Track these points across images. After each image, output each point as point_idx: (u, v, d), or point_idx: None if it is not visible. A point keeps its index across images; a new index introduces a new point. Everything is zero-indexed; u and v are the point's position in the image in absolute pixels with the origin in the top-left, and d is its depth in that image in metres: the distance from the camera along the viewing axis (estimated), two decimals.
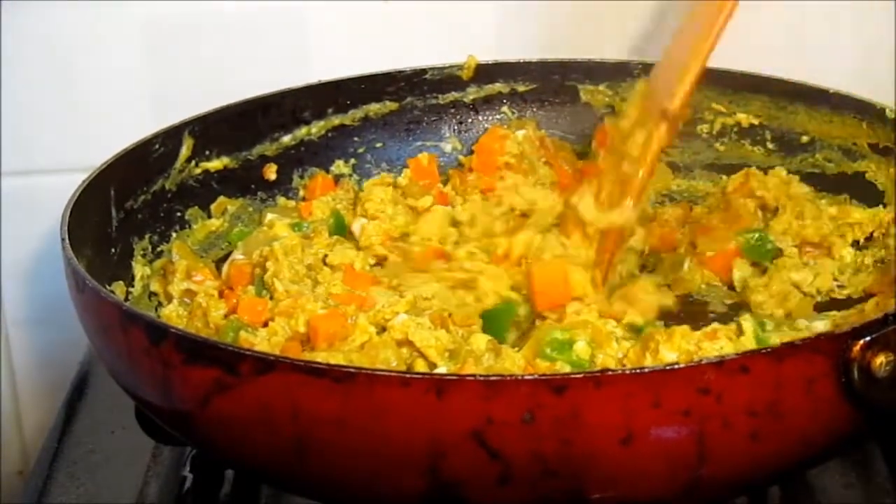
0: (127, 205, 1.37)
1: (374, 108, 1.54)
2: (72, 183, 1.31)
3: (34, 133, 1.59)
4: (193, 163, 1.44)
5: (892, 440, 1.25)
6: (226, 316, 1.30)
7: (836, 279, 1.37)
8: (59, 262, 1.21)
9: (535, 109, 1.57)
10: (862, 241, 1.41)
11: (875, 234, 1.41)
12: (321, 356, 1.19)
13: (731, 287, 1.39)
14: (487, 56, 1.55)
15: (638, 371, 1.02)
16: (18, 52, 1.56)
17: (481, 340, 1.23)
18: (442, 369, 1.20)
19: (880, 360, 1.04)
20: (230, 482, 1.28)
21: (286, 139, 1.51)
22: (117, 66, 1.58)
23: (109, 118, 1.59)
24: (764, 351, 1.04)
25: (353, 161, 1.54)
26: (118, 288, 1.32)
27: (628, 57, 1.58)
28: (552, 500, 1.04)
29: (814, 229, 1.41)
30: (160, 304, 1.35)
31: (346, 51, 1.59)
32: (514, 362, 1.20)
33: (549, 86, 1.57)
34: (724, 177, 1.51)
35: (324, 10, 1.58)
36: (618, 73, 1.55)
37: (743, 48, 1.40)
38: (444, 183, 1.53)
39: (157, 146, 1.41)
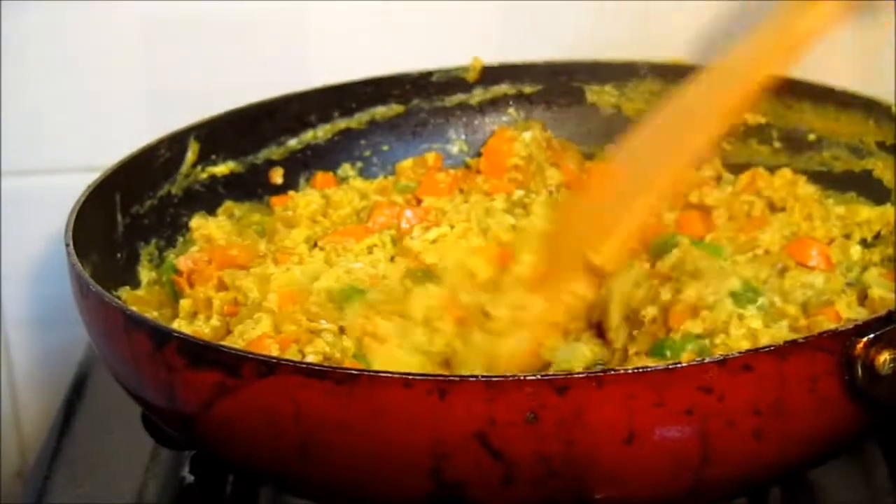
0: (133, 210, 1.37)
1: (380, 110, 1.54)
2: (72, 183, 1.32)
3: (34, 133, 1.59)
4: (199, 167, 1.44)
5: (893, 440, 1.24)
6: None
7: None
8: (59, 263, 1.22)
9: (541, 111, 1.57)
10: (870, 238, 1.40)
11: (882, 232, 1.40)
12: None
13: None
14: (488, 56, 1.55)
15: (640, 370, 1.02)
16: (18, 52, 1.56)
17: None
18: None
19: (884, 357, 1.03)
20: (230, 483, 1.28)
21: (292, 143, 1.51)
22: (117, 66, 1.58)
23: (110, 118, 1.59)
24: (767, 349, 1.03)
25: (359, 164, 1.53)
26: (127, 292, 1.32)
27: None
28: (556, 500, 1.04)
29: (823, 231, 1.40)
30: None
31: (345, 50, 1.59)
32: None
33: (555, 87, 1.56)
34: (732, 176, 1.51)
35: (324, 9, 1.58)
36: (624, 73, 1.54)
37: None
38: None
39: (162, 151, 1.41)
